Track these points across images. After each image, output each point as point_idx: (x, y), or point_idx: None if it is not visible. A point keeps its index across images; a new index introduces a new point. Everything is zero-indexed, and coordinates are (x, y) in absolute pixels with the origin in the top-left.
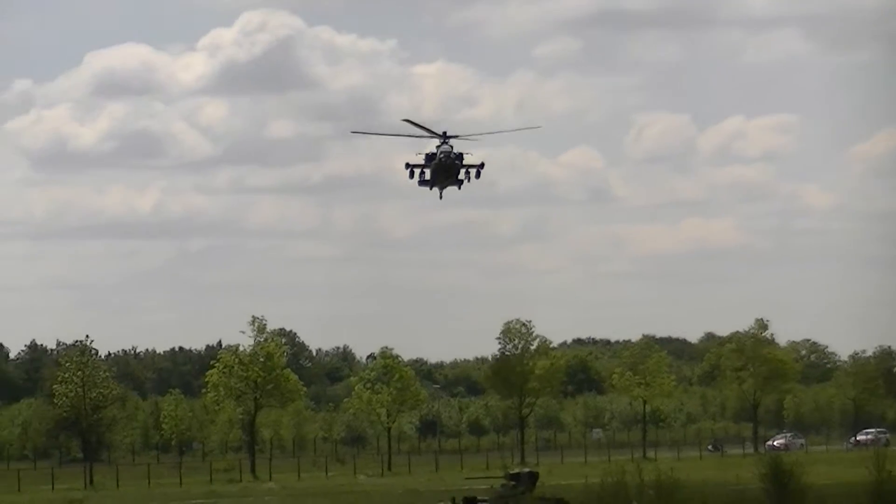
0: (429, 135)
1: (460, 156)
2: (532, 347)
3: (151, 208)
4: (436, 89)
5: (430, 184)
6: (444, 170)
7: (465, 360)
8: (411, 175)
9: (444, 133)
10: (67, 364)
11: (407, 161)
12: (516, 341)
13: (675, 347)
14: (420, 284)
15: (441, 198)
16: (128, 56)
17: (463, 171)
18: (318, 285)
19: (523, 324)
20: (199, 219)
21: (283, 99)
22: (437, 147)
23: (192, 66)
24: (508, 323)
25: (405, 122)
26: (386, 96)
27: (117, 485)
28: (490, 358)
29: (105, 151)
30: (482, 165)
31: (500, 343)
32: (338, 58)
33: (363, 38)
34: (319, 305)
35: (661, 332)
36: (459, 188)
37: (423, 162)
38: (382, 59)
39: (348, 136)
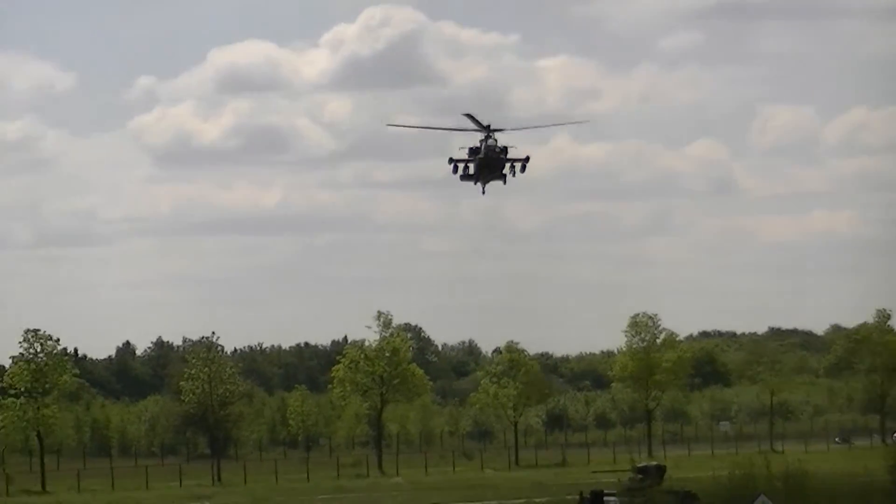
0: (478, 129)
1: (504, 150)
2: (659, 340)
3: (276, 204)
4: (559, 83)
5: (473, 178)
6: (489, 164)
7: (590, 353)
8: (455, 170)
9: (489, 126)
10: (194, 360)
11: (450, 156)
12: (643, 334)
13: (802, 339)
14: (545, 277)
15: (483, 193)
16: (251, 52)
17: (507, 165)
18: (443, 279)
19: (650, 317)
20: (324, 214)
21: (406, 94)
22: (481, 141)
23: (316, 62)
24: (635, 316)
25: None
26: (510, 90)
27: (245, 481)
28: (616, 351)
29: (229, 148)
30: (527, 159)
31: (627, 336)
32: (461, 52)
33: (486, 32)
34: (445, 299)
35: (786, 323)
36: (504, 183)
37: (467, 157)
38: (506, 53)
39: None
